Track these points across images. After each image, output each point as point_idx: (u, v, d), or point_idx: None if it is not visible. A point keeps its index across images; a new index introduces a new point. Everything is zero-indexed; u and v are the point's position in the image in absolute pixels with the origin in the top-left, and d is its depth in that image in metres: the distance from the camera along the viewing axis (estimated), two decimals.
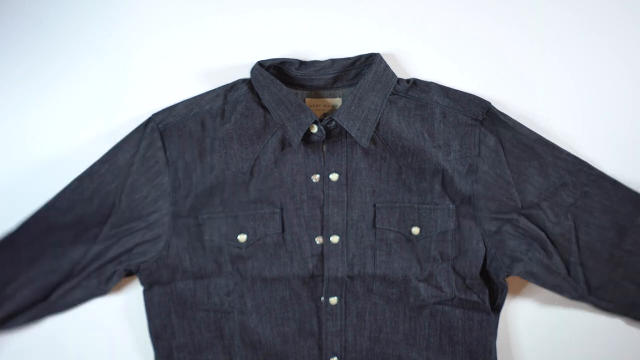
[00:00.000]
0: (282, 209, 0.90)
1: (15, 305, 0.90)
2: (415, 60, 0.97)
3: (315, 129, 0.88)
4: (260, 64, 0.92)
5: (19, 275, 0.90)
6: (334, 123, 0.88)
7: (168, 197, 0.91)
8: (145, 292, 0.92)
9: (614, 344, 0.93)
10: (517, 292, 0.94)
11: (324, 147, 0.90)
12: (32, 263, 0.90)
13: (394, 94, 0.91)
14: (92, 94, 0.99)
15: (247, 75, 0.94)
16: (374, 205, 0.90)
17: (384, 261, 0.90)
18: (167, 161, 0.91)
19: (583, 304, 0.91)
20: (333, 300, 0.90)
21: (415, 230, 0.90)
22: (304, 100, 0.94)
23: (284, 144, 0.90)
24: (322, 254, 0.90)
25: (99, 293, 0.92)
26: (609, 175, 0.90)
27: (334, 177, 0.90)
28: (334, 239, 0.90)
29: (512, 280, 0.91)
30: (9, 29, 1.01)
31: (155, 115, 0.92)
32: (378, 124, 0.89)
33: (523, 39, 0.98)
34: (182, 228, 0.90)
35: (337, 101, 0.94)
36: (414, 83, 0.92)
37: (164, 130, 0.91)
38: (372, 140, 0.89)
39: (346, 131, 0.88)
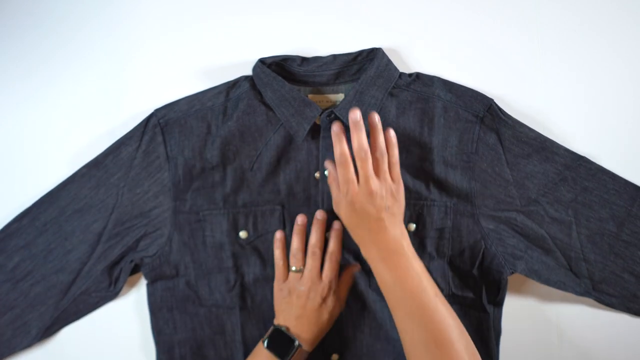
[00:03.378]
0: (283, 206, 0.90)
1: (29, 303, 0.90)
2: (416, 57, 0.97)
3: (320, 122, 0.89)
4: (262, 61, 0.92)
5: (34, 271, 0.90)
6: (333, 116, 0.88)
7: (169, 192, 0.90)
8: (148, 287, 0.92)
9: (616, 340, 0.93)
10: (516, 289, 0.94)
11: (322, 143, 0.90)
12: (46, 257, 0.90)
13: (395, 88, 0.91)
14: (92, 93, 0.99)
15: (249, 72, 0.94)
16: None
17: None
18: (167, 156, 0.91)
19: (586, 301, 0.91)
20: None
21: (411, 226, 0.89)
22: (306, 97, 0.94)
23: (286, 141, 0.90)
24: None
25: (110, 295, 0.92)
26: (607, 169, 0.90)
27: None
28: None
29: (512, 277, 0.91)
30: (9, 29, 1.01)
31: (157, 110, 0.92)
32: None
33: (523, 38, 0.98)
34: (183, 224, 0.90)
35: (340, 97, 0.94)
36: (417, 77, 0.92)
37: (165, 126, 0.91)
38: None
39: (343, 127, 0.88)
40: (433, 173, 0.89)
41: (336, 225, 0.88)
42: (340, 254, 0.88)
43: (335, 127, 0.82)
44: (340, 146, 0.81)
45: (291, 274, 0.87)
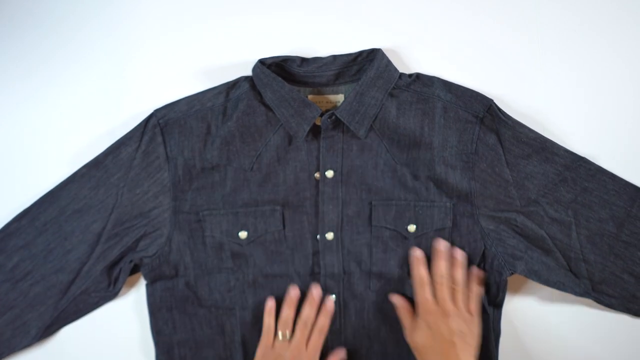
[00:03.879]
0: (283, 206, 0.90)
1: (28, 303, 0.90)
2: (416, 57, 0.97)
3: (320, 122, 0.88)
4: (262, 61, 0.92)
5: (33, 271, 0.90)
6: (334, 117, 0.88)
7: (168, 192, 0.90)
8: (147, 287, 0.92)
9: (616, 341, 0.93)
10: (516, 290, 0.94)
11: (322, 144, 0.90)
12: (46, 257, 0.90)
13: (395, 88, 0.91)
14: (92, 93, 0.99)
15: (249, 72, 0.94)
16: (370, 203, 0.90)
17: (380, 259, 0.90)
18: (167, 157, 0.91)
19: (585, 301, 0.91)
20: (331, 298, 0.90)
21: (412, 227, 0.89)
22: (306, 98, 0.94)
23: (285, 141, 0.90)
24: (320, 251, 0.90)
25: (110, 296, 0.92)
26: (607, 170, 0.90)
27: (329, 173, 0.90)
28: (329, 235, 0.90)
29: (512, 277, 0.91)
30: (9, 29, 1.01)
31: (156, 110, 0.92)
32: (376, 118, 0.89)
33: (523, 39, 0.98)
34: (183, 223, 0.90)
35: (340, 98, 0.94)
36: (417, 77, 0.92)
37: (165, 126, 0.91)
38: (369, 135, 0.89)
39: (343, 128, 0.89)
40: (433, 173, 0.89)
41: (329, 302, 0.90)
42: (327, 331, 0.89)
43: (417, 253, 0.89)
44: (419, 269, 0.88)
45: (278, 341, 0.88)
